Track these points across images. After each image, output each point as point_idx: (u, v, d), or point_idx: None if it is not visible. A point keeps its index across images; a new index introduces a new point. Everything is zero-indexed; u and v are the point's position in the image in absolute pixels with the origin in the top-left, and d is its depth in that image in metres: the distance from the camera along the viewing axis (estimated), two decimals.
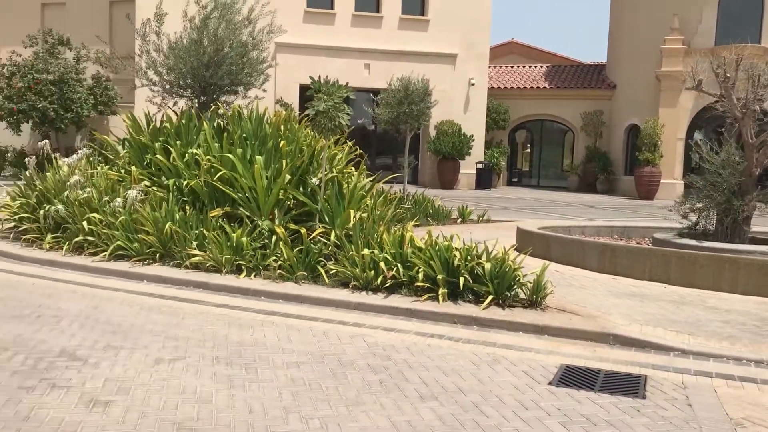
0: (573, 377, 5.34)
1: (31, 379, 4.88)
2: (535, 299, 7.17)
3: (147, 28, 12.00)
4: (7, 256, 9.61)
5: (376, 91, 20.65)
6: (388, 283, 7.61)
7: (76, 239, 9.43)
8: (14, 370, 5.06)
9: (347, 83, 8.58)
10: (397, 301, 7.32)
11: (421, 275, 7.47)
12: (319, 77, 8.41)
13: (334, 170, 9.92)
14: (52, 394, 4.63)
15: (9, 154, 22.20)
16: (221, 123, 11.23)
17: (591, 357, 5.89)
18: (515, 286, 7.31)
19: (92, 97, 22.43)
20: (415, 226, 10.64)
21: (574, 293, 7.93)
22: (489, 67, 27.61)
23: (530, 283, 7.26)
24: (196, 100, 12.00)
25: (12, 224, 10.55)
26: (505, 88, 29.40)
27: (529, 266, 7.81)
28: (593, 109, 28.50)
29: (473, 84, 26.09)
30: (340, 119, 8.16)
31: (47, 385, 4.79)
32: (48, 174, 10.71)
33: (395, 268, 7.65)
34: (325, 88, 8.14)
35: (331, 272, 8.08)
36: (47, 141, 11.58)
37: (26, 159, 11.18)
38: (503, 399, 4.83)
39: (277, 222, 8.98)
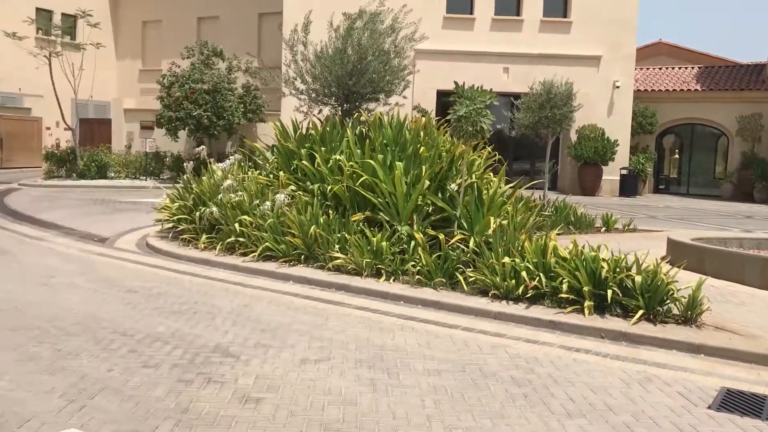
0: (735, 402, 4.94)
1: (189, 373, 5.19)
2: (690, 316, 6.72)
3: (294, 38, 12.48)
4: (167, 254, 10.32)
5: (514, 96, 20.32)
6: (530, 293, 7.43)
7: (228, 240, 9.96)
8: (174, 363, 5.39)
9: (491, 89, 8.47)
10: (540, 312, 7.12)
11: (565, 286, 7.22)
12: (463, 83, 8.36)
13: (474, 176, 9.84)
14: (208, 388, 4.89)
15: (167, 159, 23.85)
16: (363, 130, 11.47)
17: (755, 381, 5.43)
18: (668, 301, 6.89)
19: (242, 105, 23.66)
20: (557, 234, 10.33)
21: (732, 310, 7.36)
22: (635, 68, 26.37)
23: (684, 298, 6.82)
24: (340, 108, 12.33)
25: (171, 224, 11.31)
26: (653, 90, 27.96)
27: (682, 280, 7.35)
28: (751, 112, 26.46)
29: (618, 87, 25.03)
30: (482, 124, 8.06)
31: (203, 379, 5.07)
32: (203, 178, 11.40)
33: (537, 278, 7.45)
34: (468, 93, 8.08)
35: (470, 280, 8.00)
36: (204, 147, 12.33)
37: (184, 164, 11.96)
38: (657, 421, 4.55)
39: (415, 227, 9.02)
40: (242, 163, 12.30)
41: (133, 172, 23.86)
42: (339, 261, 8.84)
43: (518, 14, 25.32)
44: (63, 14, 31.70)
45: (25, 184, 21.65)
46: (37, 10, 30.81)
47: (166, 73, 23.69)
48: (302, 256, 9.32)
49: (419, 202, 9.32)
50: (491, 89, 8.62)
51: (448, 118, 8.78)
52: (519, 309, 7.24)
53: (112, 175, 23.62)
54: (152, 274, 9.00)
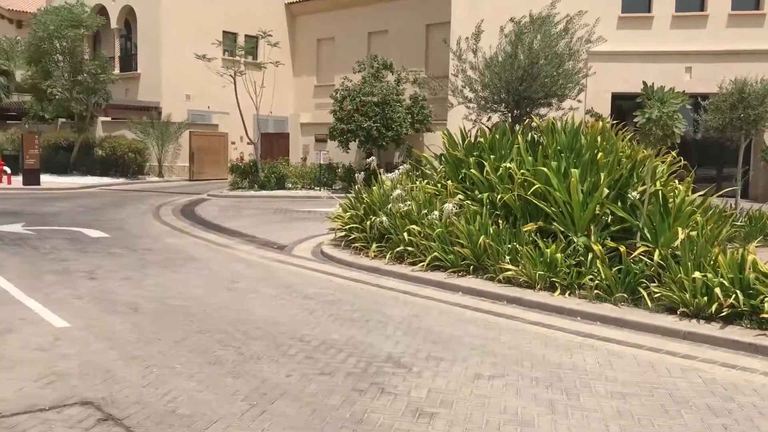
0: None
1: (362, 382, 5.20)
2: None
3: (462, 48, 12.39)
4: (340, 262, 10.59)
5: (699, 96, 18.82)
6: (724, 311, 6.74)
7: (398, 249, 10.03)
8: (348, 372, 5.44)
9: (684, 91, 7.81)
10: (737, 333, 6.43)
11: (767, 305, 6.46)
12: (652, 83, 7.78)
13: (657, 183, 9.15)
14: (382, 399, 4.87)
15: (339, 170, 24.73)
16: (534, 136, 11.11)
17: None
18: None
19: (410, 116, 24.00)
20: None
21: None
22: None
23: None
24: (510, 114, 12.05)
25: (343, 233, 11.62)
26: None
27: None
28: None
29: None
30: (674, 128, 7.44)
31: (377, 389, 5.06)
32: (374, 188, 11.60)
33: (734, 296, 6.74)
34: (658, 95, 7.49)
35: (655, 295, 7.42)
36: (374, 158, 12.57)
37: (355, 174, 12.22)
38: None
39: (593, 238, 8.54)
40: (410, 173, 12.38)
41: (308, 182, 24.96)
42: (510, 273, 8.57)
43: (702, 9, 23.51)
44: (246, 36, 34.04)
45: (212, 195, 23.38)
46: (224, 33, 33.34)
47: (338, 88, 24.59)
48: (471, 267, 9.16)
49: (597, 212, 8.82)
50: (684, 91, 7.95)
51: (634, 121, 8.19)
52: (712, 329, 6.59)
53: (290, 185, 24.86)
54: (327, 281, 9.26)
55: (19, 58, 31.25)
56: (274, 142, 30.56)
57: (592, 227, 8.73)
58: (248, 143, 27.49)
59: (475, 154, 11.16)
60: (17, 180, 24.77)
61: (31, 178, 24.38)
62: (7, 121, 38.11)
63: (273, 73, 25.85)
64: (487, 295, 8.32)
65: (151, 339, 6.23)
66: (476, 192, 10.48)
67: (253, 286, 8.74)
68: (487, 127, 12.17)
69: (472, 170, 10.76)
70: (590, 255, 8.24)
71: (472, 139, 11.73)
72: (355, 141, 24.00)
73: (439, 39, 31.15)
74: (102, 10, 34.29)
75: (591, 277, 7.97)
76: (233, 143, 33.19)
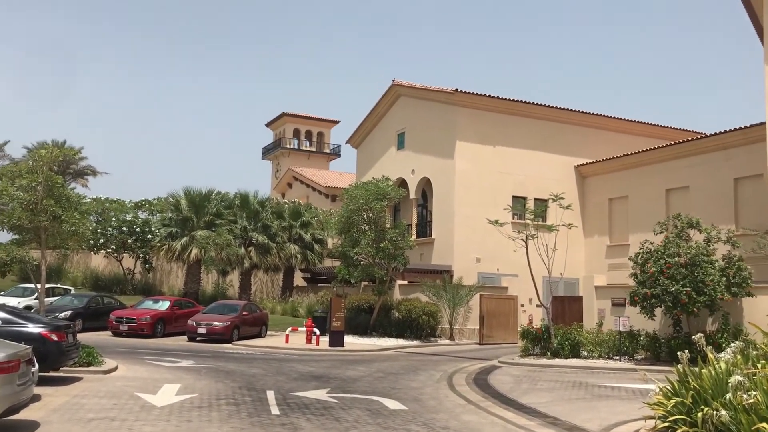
0: None
1: None
2: None
3: None
4: None
5: None
6: None
7: None
8: None
9: None
10: None
11: None
12: None
13: None
14: None
15: (641, 338, 22.51)
16: None
17: None
18: None
19: (724, 278, 21.32)
20: None
21: None
22: None
23: None
24: None
25: (666, 424, 9.92)
26: None
27: None
28: None
29: None
30: None
31: None
32: (703, 371, 9.88)
33: None
34: None
35: None
36: (702, 335, 10.84)
37: (679, 353, 10.56)
38: None
39: None
40: (745, 352, 10.43)
41: (606, 351, 23.03)
42: None
43: None
44: (535, 199, 34.28)
45: (503, 362, 22.59)
46: (513, 197, 33.99)
47: (639, 251, 22.95)
48: None
49: None
50: None
51: None
52: None
53: (585, 353, 23.17)
54: None
55: (331, 228, 34.82)
56: (566, 306, 29.23)
57: None
58: (538, 306, 26.57)
59: None
60: (324, 340, 26.65)
61: (337, 340, 26.05)
62: (318, 284, 42.33)
63: (565, 235, 25.15)
64: None
65: None
66: None
67: None
68: None
69: None
70: None
71: None
72: (660, 306, 21.79)
73: (750, 193, 28.18)
74: (403, 183, 37.36)
75: None
76: (522, 306, 32.57)
